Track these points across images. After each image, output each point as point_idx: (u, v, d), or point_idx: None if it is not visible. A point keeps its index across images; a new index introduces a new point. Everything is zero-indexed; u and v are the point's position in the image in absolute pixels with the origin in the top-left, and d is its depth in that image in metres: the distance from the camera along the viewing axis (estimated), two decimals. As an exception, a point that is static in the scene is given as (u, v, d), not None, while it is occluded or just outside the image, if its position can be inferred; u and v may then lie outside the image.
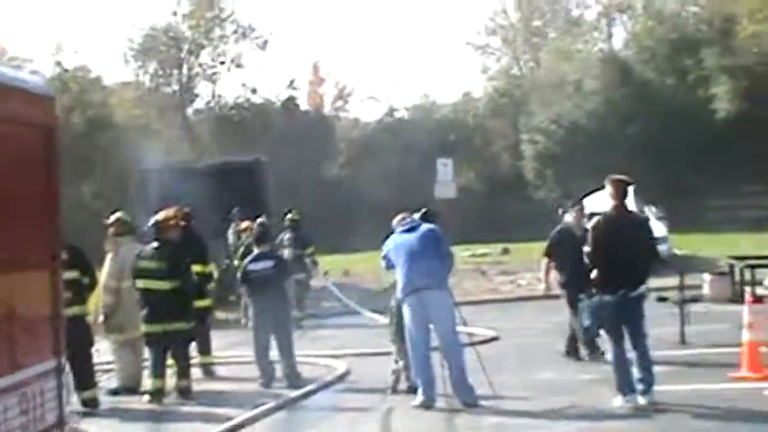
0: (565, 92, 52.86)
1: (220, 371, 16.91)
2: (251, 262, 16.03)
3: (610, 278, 12.37)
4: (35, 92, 6.11)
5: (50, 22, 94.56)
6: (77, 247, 14.73)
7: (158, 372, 14.68)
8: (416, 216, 14.26)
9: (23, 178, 5.87)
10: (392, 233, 14.02)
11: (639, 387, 12.29)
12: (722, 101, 47.27)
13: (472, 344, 18.04)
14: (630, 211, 13.14)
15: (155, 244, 14.92)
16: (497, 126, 57.80)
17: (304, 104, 63.78)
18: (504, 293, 28.92)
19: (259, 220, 24.26)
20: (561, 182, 47.89)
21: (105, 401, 14.67)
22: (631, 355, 12.37)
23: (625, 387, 12.36)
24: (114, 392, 15.32)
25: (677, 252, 31.77)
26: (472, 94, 62.84)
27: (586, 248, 12.69)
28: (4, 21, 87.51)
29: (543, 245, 16.71)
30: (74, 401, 14.14)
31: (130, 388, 15.35)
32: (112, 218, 16.40)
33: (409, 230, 13.82)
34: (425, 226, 14.00)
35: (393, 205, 36.58)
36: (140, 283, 14.75)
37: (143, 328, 14.81)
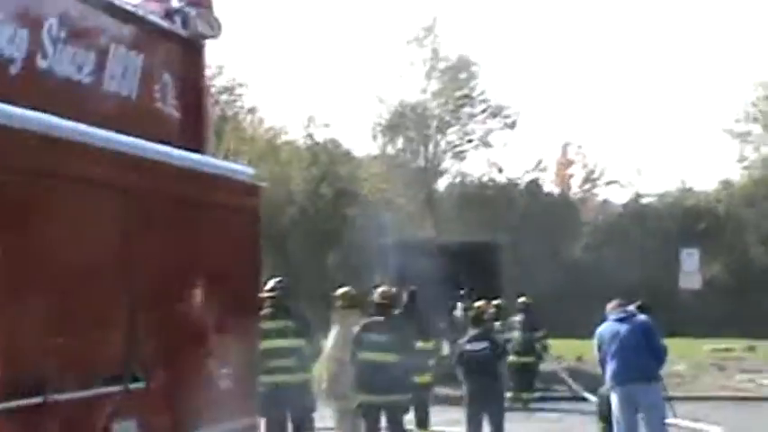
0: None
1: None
2: (467, 342, 16.60)
3: None
4: (247, 182, 7.05)
5: (304, 93, 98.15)
6: (306, 317, 15.79)
7: None
8: (631, 307, 14.64)
9: (235, 253, 6.76)
10: (604, 320, 14.36)
11: None
12: None
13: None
14: None
15: (380, 318, 15.73)
16: (751, 217, 57.03)
17: (549, 185, 64.30)
18: (742, 392, 28.54)
19: (494, 302, 25.22)
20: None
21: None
22: None
23: None
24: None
25: None
26: (729, 181, 62.06)
27: None
28: (260, 91, 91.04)
29: None
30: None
31: (350, 454, 16.00)
32: (340, 291, 17.29)
33: (622, 320, 14.11)
34: (639, 317, 14.30)
35: (633, 292, 36.82)
36: (364, 355, 15.54)
37: (361, 397, 15.60)
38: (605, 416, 14.61)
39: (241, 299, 6.89)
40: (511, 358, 23.82)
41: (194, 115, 6.88)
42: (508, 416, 20.95)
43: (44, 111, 5.15)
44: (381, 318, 15.66)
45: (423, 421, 17.64)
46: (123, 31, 6.16)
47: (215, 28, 7.65)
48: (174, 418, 5.97)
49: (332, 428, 16.79)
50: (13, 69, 5.29)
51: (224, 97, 58.30)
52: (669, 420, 15.29)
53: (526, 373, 24.55)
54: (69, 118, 5.30)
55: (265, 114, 62.54)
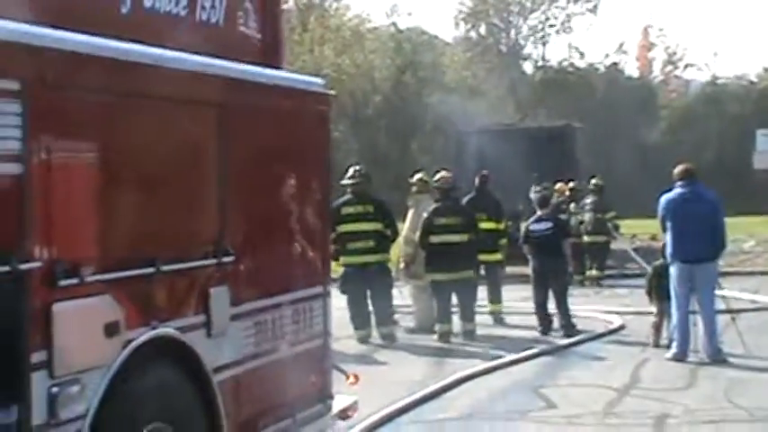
0: None
1: (509, 319, 18.62)
2: (533, 223, 17.55)
3: None
4: (318, 91, 8.31)
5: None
6: (383, 202, 16.84)
7: (446, 316, 16.62)
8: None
9: (308, 150, 8.05)
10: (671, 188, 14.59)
11: None
12: None
13: (739, 310, 19.16)
14: None
15: (446, 202, 16.87)
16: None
17: (632, 69, 64.28)
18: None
19: (570, 184, 26.02)
20: None
21: (403, 338, 16.70)
22: None
23: None
24: (411, 331, 17.20)
25: None
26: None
27: None
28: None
29: None
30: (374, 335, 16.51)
31: (426, 328, 17.05)
32: (415, 177, 18.35)
33: (691, 195, 14.41)
34: (708, 195, 14.68)
35: (710, 173, 37.34)
36: (434, 238, 16.71)
37: (434, 276, 16.78)
38: (658, 289, 15.39)
39: (313, 189, 8.05)
40: (584, 238, 24.87)
41: (272, 36, 8.05)
42: (579, 291, 22.25)
43: (151, 44, 6.34)
44: (447, 202, 16.79)
45: (495, 297, 18.68)
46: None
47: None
48: (257, 284, 7.28)
49: (410, 305, 18.06)
50: (124, 9, 6.47)
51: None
52: (722, 292, 16.18)
53: (598, 251, 25.11)
54: (170, 47, 6.50)
55: (351, 2, 62.99)
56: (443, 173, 17.39)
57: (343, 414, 8.60)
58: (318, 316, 8.13)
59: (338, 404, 8.52)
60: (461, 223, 16.61)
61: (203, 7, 7.16)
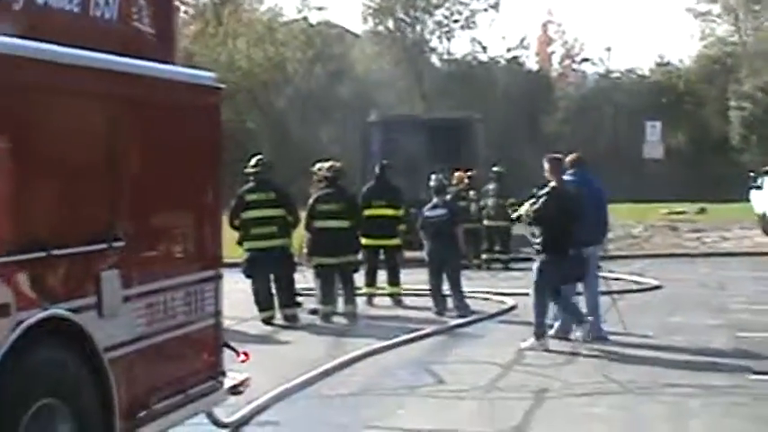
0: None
1: (407, 301, 18.76)
2: (428, 210, 17.68)
3: None
4: (209, 84, 8.40)
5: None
6: (285, 190, 16.96)
7: (329, 298, 16.81)
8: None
9: (199, 141, 8.14)
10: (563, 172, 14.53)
11: None
12: None
13: (637, 291, 19.75)
14: None
15: (330, 189, 17.01)
16: (708, 91, 57.90)
17: (533, 63, 64.92)
18: (687, 249, 29.83)
19: (469, 173, 26.18)
20: (765, 147, 47.95)
21: (305, 319, 16.73)
22: None
23: None
24: (313, 312, 17.19)
25: None
26: (689, 58, 62.93)
27: None
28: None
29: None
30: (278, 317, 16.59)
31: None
32: (316, 166, 18.42)
33: (579, 179, 14.58)
34: (595, 181, 14.92)
35: (604, 162, 37.73)
36: (319, 224, 16.85)
37: (319, 260, 16.90)
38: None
39: (204, 179, 8.16)
40: (486, 222, 25.10)
41: (165, 32, 8.10)
42: (476, 274, 22.54)
43: (43, 40, 6.38)
44: (332, 189, 16.94)
45: (394, 280, 18.84)
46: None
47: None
48: (148, 268, 7.36)
49: (312, 288, 17.97)
50: (17, 6, 6.49)
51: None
52: (611, 275, 16.62)
53: (500, 236, 25.36)
54: (63, 43, 6.55)
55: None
56: (331, 162, 17.68)
57: (235, 390, 8.68)
58: (210, 298, 8.22)
59: (230, 381, 8.60)
60: (344, 210, 16.82)
61: (97, 3, 7.19)
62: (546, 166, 14.31)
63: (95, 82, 6.76)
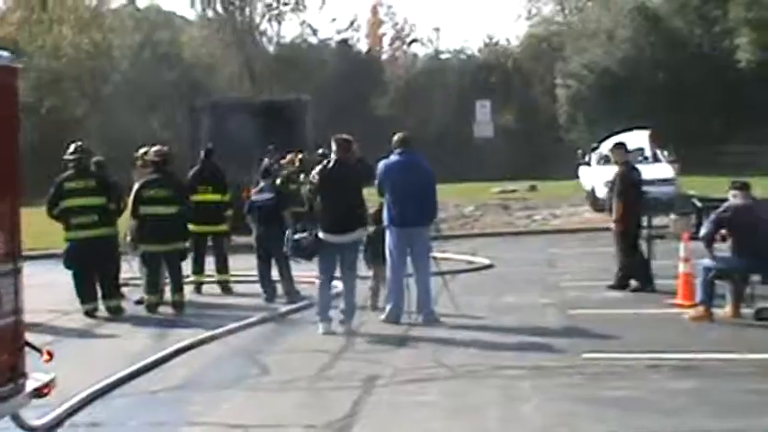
0: (599, 40, 53.49)
1: (237, 288, 18.19)
2: (255, 193, 17.16)
3: None
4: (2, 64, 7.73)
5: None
6: (106, 177, 16.24)
7: (154, 287, 16.15)
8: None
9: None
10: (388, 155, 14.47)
11: None
12: (744, 51, 47.81)
13: (468, 270, 19.47)
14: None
15: (156, 175, 16.26)
16: (536, 70, 58.64)
17: (363, 45, 64.86)
18: (518, 227, 30.00)
19: (300, 155, 25.73)
20: (591, 125, 48.72)
21: (131, 310, 16.04)
22: None
23: None
24: (138, 302, 16.50)
25: (692, 194, 32.28)
26: (518, 37, 63.73)
27: None
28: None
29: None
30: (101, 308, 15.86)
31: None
32: (139, 152, 17.80)
33: (406, 159, 14.37)
34: (423, 162, 14.56)
35: (436, 143, 37.63)
36: (145, 210, 16.11)
37: (146, 247, 16.22)
38: (375, 254, 15.20)
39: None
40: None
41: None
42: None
43: None
44: (158, 174, 16.27)
45: (222, 267, 18.25)
46: None
47: None
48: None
49: (138, 278, 17.42)
50: None
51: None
52: (443, 255, 16.27)
53: None
54: None
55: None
56: (158, 146, 16.97)
57: (39, 392, 8.01)
58: (8, 294, 7.54)
59: (34, 383, 7.94)
60: (170, 195, 16.11)
61: None
62: (333, 146, 14.20)
63: None
